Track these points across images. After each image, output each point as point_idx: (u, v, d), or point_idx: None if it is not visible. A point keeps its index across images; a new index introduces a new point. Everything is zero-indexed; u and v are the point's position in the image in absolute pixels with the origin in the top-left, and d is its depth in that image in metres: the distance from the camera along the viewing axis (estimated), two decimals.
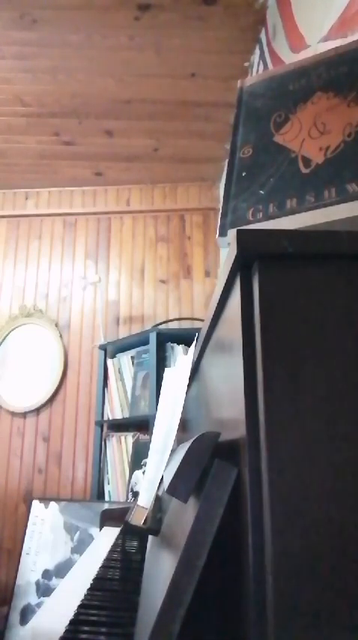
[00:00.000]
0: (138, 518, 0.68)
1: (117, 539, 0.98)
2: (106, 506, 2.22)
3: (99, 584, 0.67)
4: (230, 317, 0.42)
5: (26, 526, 2.43)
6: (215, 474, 0.34)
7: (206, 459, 0.37)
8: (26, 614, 2.25)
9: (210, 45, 1.98)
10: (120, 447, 2.48)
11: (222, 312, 0.47)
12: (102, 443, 2.57)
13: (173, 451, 0.61)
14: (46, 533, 2.40)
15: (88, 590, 0.62)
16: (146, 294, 2.92)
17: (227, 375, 0.43)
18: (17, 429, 2.75)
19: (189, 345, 2.08)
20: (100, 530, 1.21)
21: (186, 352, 1.40)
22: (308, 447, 0.30)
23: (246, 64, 2.06)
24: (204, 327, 0.59)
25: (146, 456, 1.41)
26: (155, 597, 0.39)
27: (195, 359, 0.73)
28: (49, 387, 2.76)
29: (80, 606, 0.55)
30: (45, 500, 2.50)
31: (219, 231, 0.51)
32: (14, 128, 2.50)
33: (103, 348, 2.64)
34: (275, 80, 0.63)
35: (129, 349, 2.61)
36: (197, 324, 2.59)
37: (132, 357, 2.55)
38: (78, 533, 2.35)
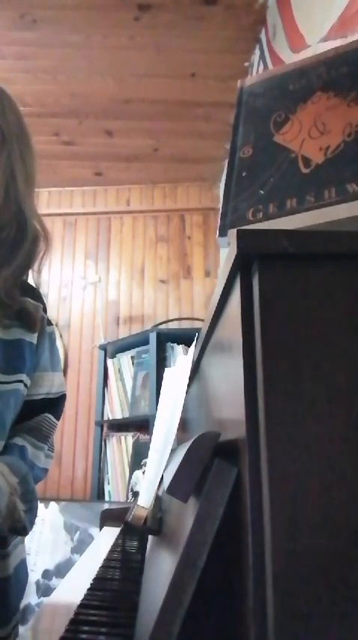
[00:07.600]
0: (138, 518, 0.68)
1: (117, 539, 0.98)
2: (106, 506, 2.22)
3: (99, 584, 0.67)
4: (230, 317, 0.42)
5: None
6: (215, 473, 0.34)
7: (206, 459, 0.37)
8: (26, 614, 2.25)
9: (210, 45, 1.98)
10: (120, 447, 2.48)
11: (222, 312, 0.47)
12: (102, 443, 2.57)
13: (173, 451, 0.61)
14: (46, 533, 2.40)
15: (88, 590, 0.62)
16: (146, 294, 2.92)
17: (227, 375, 0.43)
18: None
19: (189, 345, 2.08)
20: (100, 530, 1.20)
21: (186, 352, 1.40)
22: (308, 447, 0.30)
23: (246, 64, 2.06)
24: (204, 327, 0.59)
25: (146, 456, 1.41)
26: (155, 597, 0.39)
27: (195, 359, 0.73)
28: None
29: (80, 606, 0.55)
30: (45, 500, 2.50)
31: (219, 231, 0.51)
32: None
33: (103, 348, 2.64)
34: (275, 80, 0.63)
35: (129, 349, 2.61)
36: (197, 324, 2.59)
37: (132, 357, 2.55)
38: (78, 533, 2.35)
